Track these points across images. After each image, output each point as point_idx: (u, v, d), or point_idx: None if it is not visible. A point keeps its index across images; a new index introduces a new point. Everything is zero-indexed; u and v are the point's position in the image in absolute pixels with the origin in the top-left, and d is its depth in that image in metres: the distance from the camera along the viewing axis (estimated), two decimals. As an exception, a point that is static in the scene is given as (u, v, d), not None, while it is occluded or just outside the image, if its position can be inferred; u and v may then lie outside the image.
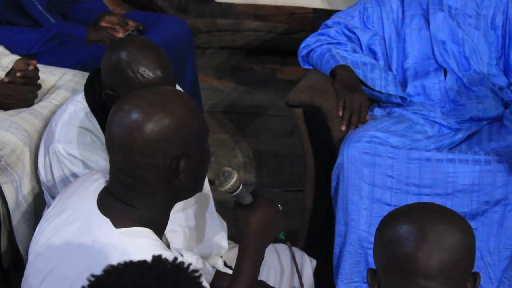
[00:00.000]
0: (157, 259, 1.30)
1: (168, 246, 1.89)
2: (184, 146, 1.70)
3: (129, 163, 1.69)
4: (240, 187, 1.89)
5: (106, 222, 1.70)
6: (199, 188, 1.83)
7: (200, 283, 1.28)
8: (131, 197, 1.72)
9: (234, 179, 1.87)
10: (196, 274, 1.29)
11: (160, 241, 1.73)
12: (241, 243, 1.89)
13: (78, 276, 1.65)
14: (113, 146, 1.72)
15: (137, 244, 1.65)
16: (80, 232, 1.72)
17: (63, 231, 1.76)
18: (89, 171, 2.03)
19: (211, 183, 2.25)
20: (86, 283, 1.26)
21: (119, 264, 1.29)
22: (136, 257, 1.31)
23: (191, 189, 1.80)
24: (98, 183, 1.80)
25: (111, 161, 1.75)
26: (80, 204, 1.77)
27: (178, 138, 1.68)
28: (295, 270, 2.28)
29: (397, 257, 1.55)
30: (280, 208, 1.94)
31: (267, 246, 1.92)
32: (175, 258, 1.31)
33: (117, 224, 1.69)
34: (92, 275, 1.26)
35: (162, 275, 1.26)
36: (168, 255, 1.33)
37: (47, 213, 1.86)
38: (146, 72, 2.19)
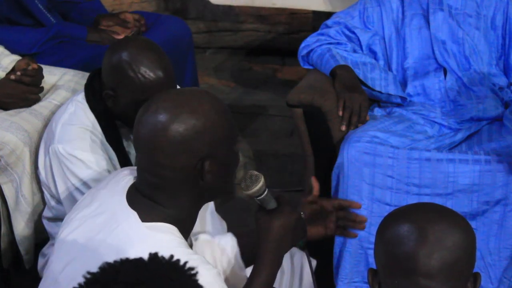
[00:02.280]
0: (154, 256, 1.30)
1: (191, 247, 1.89)
2: (209, 148, 1.70)
3: (154, 163, 1.70)
4: (266, 192, 1.89)
5: (133, 215, 1.72)
6: (227, 192, 1.84)
7: (196, 280, 1.29)
8: (157, 196, 1.73)
9: (261, 183, 1.87)
10: (193, 272, 1.29)
11: (183, 239, 1.73)
12: (260, 247, 1.89)
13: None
14: (140, 146, 1.74)
15: (160, 239, 1.67)
16: (106, 224, 1.74)
17: (89, 222, 1.78)
18: (95, 169, 2.03)
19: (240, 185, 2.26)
20: (82, 280, 1.26)
21: (115, 261, 1.29)
22: (159, 251, 1.31)
23: (217, 190, 1.80)
24: (128, 179, 1.82)
25: (138, 161, 1.77)
26: (109, 197, 1.80)
27: (203, 139, 1.69)
28: (295, 270, 2.28)
29: (398, 257, 1.55)
30: (303, 216, 1.94)
31: (285, 253, 1.93)
32: (172, 256, 1.31)
33: (144, 218, 1.71)
34: (88, 272, 1.26)
35: (158, 273, 1.26)
36: (166, 254, 1.33)
37: (78, 204, 1.89)
38: (147, 73, 2.19)
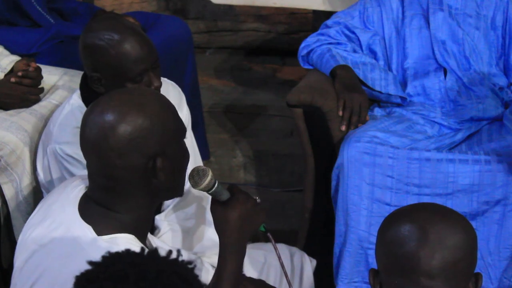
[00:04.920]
0: (153, 252, 1.30)
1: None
2: (159, 145, 1.69)
3: (105, 165, 1.68)
4: (216, 185, 1.88)
5: (88, 229, 1.69)
6: (180, 190, 1.82)
7: (197, 276, 1.29)
8: (111, 201, 1.71)
9: (209, 177, 1.86)
10: (190, 266, 1.29)
11: (144, 246, 1.72)
12: (221, 240, 1.88)
13: (63, 284, 1.64)
14: (88, 149, 1.71)
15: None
16: (62, 241, 1.71)
17: (46, 240, 1.75)
18: (69, 178, 2.02)
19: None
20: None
21: (117, 252, 1.29)
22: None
23: (171, 189, 1.79)
24: (78, 189, 1.79)
25: (88, 165, 1.74)
26: (61, 211, 1.76)
27: (153, 136, 1.68)
28: (295, 270, 2.28)
29: (399, 257, 1.55)
30: (258, 201, 1.93)
31: (247, 241, 1.92)
32: (170, 251, 1.32)
33: (100, 231, 1.69)
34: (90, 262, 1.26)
35: (160, 267, 1.27)
36: (162, 251, 1.34)
37: (29, 221, 1.85)
38: (121, 45, 2.21)
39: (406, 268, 1.54)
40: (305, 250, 2.48)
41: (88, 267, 1.30)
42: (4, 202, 2.62)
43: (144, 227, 1.78)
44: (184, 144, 1.79)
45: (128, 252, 1.31)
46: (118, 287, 1.24)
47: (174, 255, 1.32)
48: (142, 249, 1.33)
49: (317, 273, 2.37)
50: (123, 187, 1.70)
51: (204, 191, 1.88)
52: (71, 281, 1.29)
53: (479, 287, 1.59)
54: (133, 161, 1.67)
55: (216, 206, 1.90)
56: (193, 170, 1.86)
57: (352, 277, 2.63)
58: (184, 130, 1.78)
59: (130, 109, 1.67)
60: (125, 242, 1.68)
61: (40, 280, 1.73)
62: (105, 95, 1.75)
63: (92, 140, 1.68)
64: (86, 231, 1.69)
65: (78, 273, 1.29)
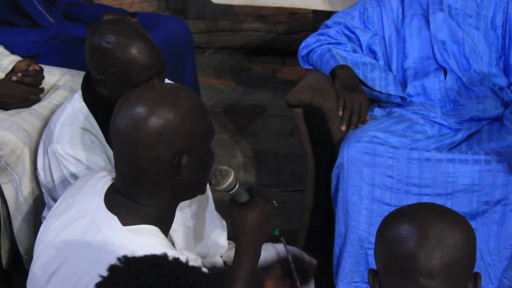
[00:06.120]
0: (176, 257, 1.31)
1: (173, 244, 1.90)
2: (187, 142, 1.71)
3: (132, 154, 1.70)
4: (237, 186, 1.90)
5: (113, 219, 1.72)
6: (201, 189, 1.85)
7: (213, 282, 1.30)
8: (136, 192, 1.73)
9: (231, 178, 1.88)
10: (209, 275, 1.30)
11: (166, 239, 1.74)
12: (237, 241, 1.91)
13: (84, 273, 1.67)
14: (117, 138, 1.74)
15: (144, 242, 1.67)
16: (86, 230, 1.74)
17: (69, 229, 1.77)
18: (94, 169, 2.04)
19: (209, 182, 2.26)
20: (97, 279, 1.26)
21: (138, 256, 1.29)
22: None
23: (193, 188, 1.81)
24: (104, 180, 1.81)
25: (115, 154, 1.77)
26: (87, 201, 1.79)
27: (182, 132, 1.70)
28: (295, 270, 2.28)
29: (398, 257, 1.55)
30: (276, 205, 1.95)
31: (263, 243, 1.94)
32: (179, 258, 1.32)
33: (124, 222, 1.71)
34: (100, 275, 1.26)
35: (185, 271, 1.27)
36: (174, 254, 1.34)
37: (52, 211, 1.87)
38: (129, 48, 2.20)
39: (406, 268, 1.54)
40: (305, 250, 2.47)
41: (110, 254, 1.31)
42: (4, 202, 2.62)
43: (167, 222, 1.80)
44: (210, 146, 1.81)
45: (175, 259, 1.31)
46: None
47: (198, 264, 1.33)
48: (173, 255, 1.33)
49: (317, 273, 2.37)
50: (148, 179, 1.72)
51: (224, 191, 1.90)
52: (93, 269, 1.29)
53: (478, 286, 1.59)
54: (159, 155, 1.69)
55: (235, 207, 1.92)
56: (215, 170, 1.88)
57: (352, 277, 2.63)
58: (213, 131, 1.80)
59: (163, 103, 1.70)
60: (149, 232, 1.70)
61: (61, 268, 1.74)
62: (139, 88, 1.78)
63: (122, 129, 1.71)
64: (111, 220, 1.71)
65: (99, 263, 1.30)
